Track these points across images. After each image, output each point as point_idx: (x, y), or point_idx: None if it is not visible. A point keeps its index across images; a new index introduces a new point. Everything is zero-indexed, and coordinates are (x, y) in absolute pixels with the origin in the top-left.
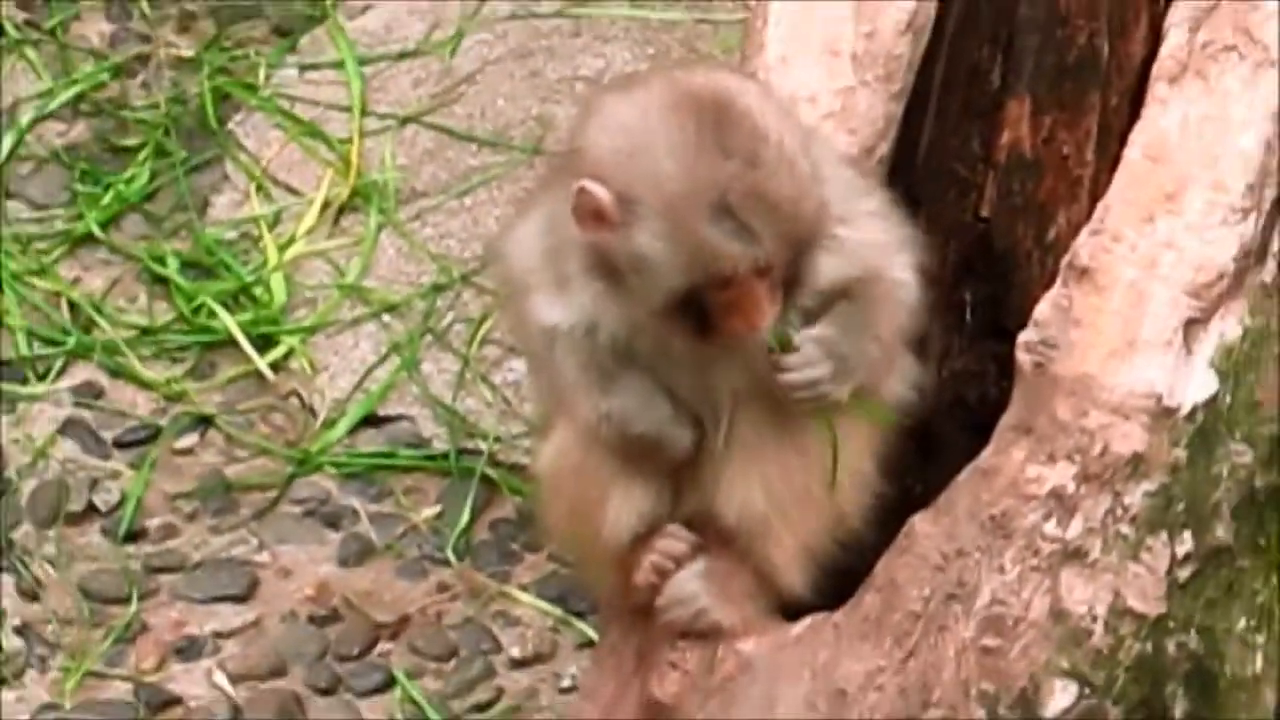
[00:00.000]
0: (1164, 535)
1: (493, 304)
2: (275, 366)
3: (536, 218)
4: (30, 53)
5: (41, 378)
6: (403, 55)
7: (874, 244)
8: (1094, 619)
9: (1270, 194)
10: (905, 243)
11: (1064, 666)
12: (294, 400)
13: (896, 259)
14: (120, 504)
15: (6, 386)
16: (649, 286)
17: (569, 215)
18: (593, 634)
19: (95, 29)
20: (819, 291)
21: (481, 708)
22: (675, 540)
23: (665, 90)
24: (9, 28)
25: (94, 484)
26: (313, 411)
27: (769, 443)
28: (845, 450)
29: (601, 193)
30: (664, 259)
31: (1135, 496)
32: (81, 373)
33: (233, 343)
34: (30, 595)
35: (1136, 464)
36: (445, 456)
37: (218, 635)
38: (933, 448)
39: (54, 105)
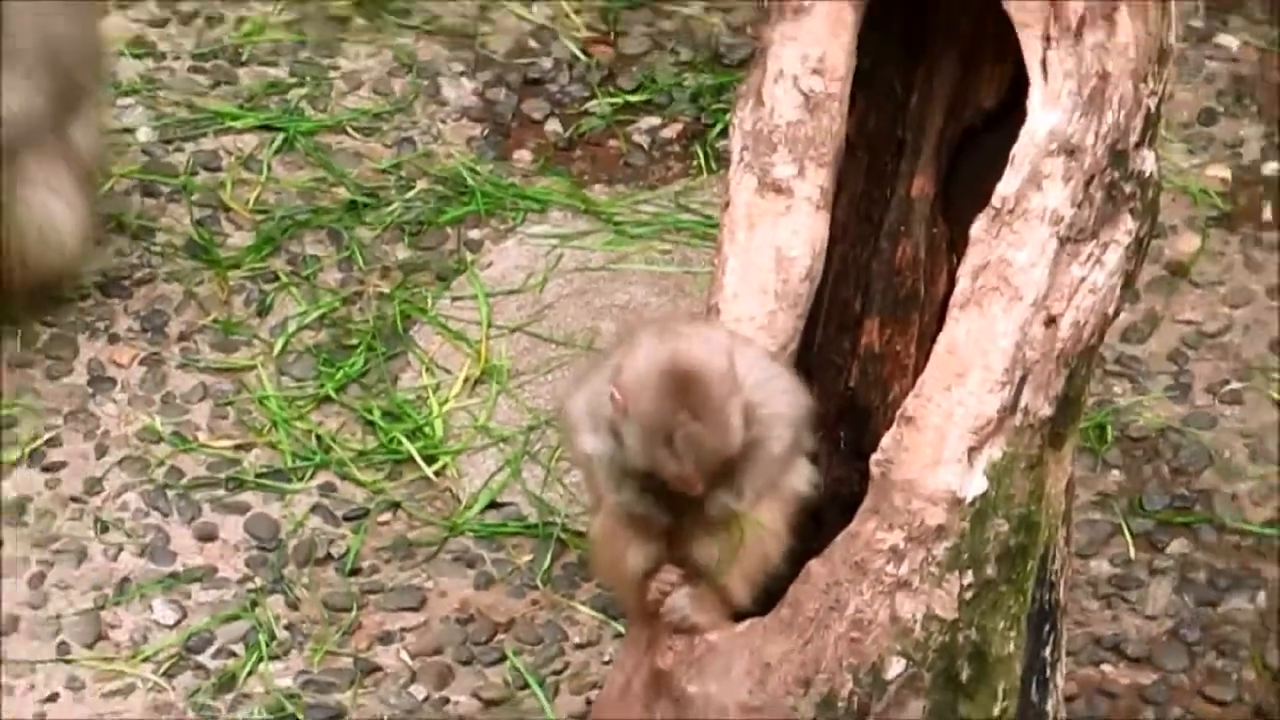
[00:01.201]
0: (956, 573)
1: (561, 438)
2: (437, 474)
3: (586, 390)
4: (294, 290)
5: (300, 479)
6: (512, 292)
7: (779, 415)
8: (915, 621)
9: (1018, 373)
10: (800, 406)
11: (898, 649)
12: (448, 493)
13: (793, 421)
14: (346, 554)
15: (281, 485)
16: (631, 454)
17: (605, 395)
18: (622, 629)
19: (333, 276)
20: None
21: (556, 673)
22: (669, 574)
23: (662, 351)
24: (281, 275)
25: (330, 542)
26: (458, 499)
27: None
28: (761, 532)
29: (619, 398)
30: (636, 451)
31: (939, 550)
32: (324, 477)
33: (412, 460)
34: (293, 607)
35: (940, 531)
36: (536, 526)
37: (403, 630)
38: (822, 521)
39: (308, 320)
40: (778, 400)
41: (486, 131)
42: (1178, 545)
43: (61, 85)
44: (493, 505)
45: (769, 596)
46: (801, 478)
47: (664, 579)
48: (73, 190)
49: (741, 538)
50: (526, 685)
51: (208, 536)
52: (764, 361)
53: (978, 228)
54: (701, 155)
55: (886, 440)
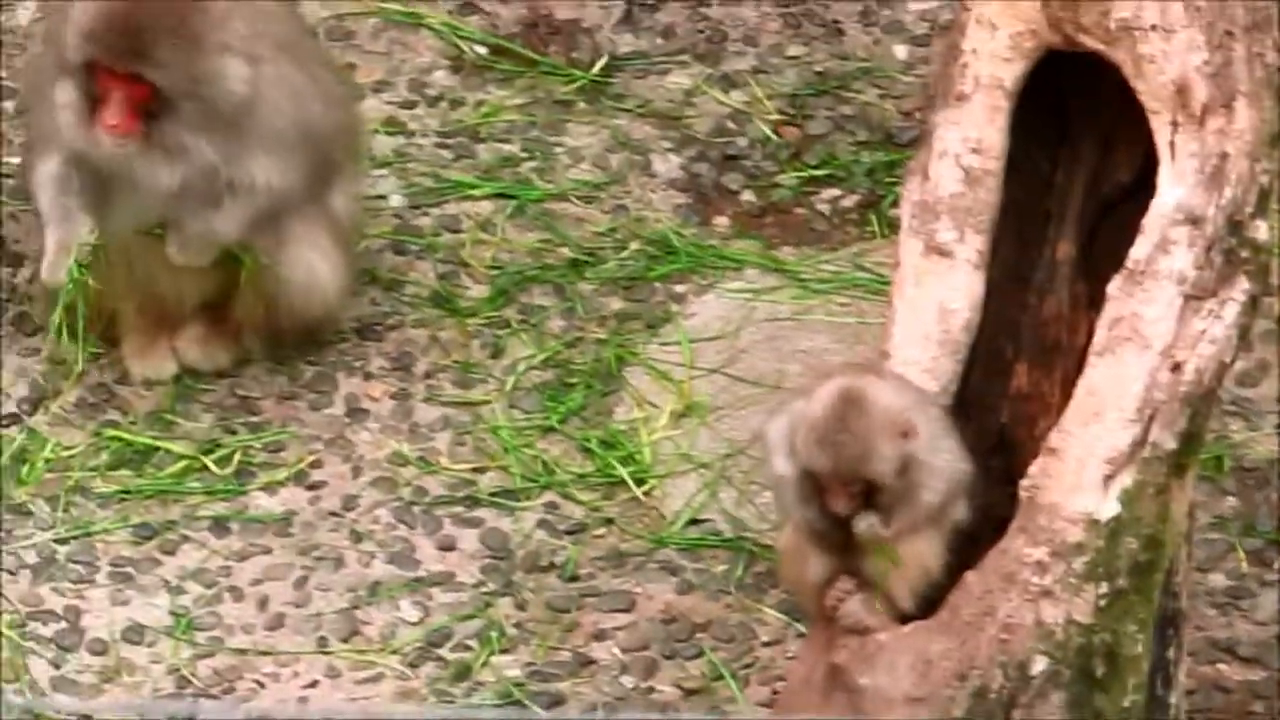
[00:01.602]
0: (1092, 583)
1: (759, 461)
2: (646, 494)
3: (781, 419)
4: (523, 335)
5: (528, 498)
6: (711, 338)
7: (939, 471)
8: (1057, 625)
9: (1148, 412)
10: (960, 471)
11: (1041, 649)
12: (655, 511)
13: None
14: (566, 563)
15: (511, 503)
16: (799, 455)
17: (797, 422)
18: (803, 630)
19: (557, 324)
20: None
21: (747, 667)
22: (844, 584)
23: (849, 380)
24: (512, 323)
25: (553, 552)
26: (664, 517)
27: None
28: (917, 546)
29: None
30: (801, 452)
31: (1078, 564)
32: (548, 496)
33: (624, 482)
34: (520, 608)
35: (1079, 548)
36: (731, 540)
37: (615, 629)
38: (977, 538)
39: (535, 361)
40: (941, 461)
41: (690, 200)
42: None
43: (317, 161)
44: (693, 522)
45: (930, 603)
46: (959, 511)
47: (840, 588)
48: (332, 248)
49: (895, 558)
50: (721, 677)
51: (448, 547)
52: (941, 426)
53: (1114, 286)
54: (875, 222)
55: (1033, 469)
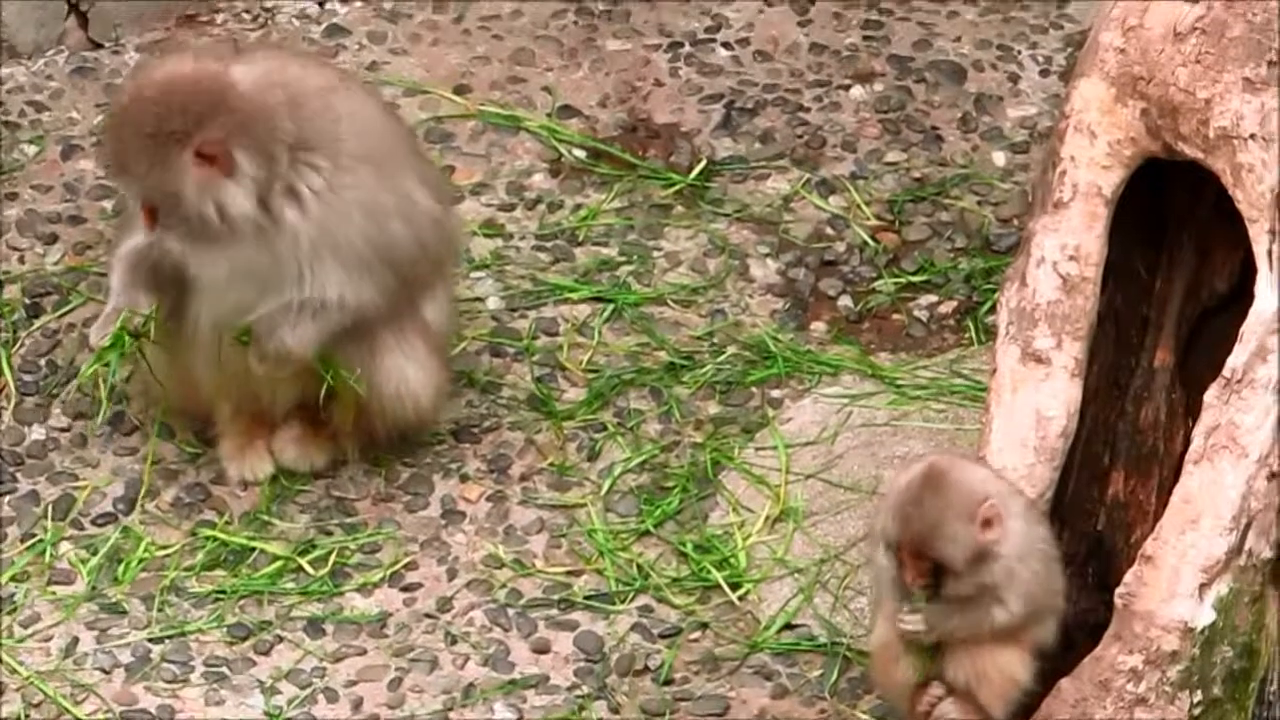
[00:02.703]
0: (1187, 691)
1: (866, 557)
2: (741, 598)
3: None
4: (620, 439)
5: (622, 601)
6: (808, 443)
7: (1019, 583)
8: None
9: (1244, 520)
10: (1046, 594)
11: None
12: (749, 615)
13: (1041, 592)
14: (661, 666)
15: (606, 606)
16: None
17: None
18: None
19: (653, 427)
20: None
21: None
22: (936, 689)
23: (929, 460)
24: (609, 426)
25: (647, 656)
26: (758, 621)
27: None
28: (1002, 660)
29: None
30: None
31: (1173, 672)
32: (642, 600)
33: (719, 586)
34: (615, 711)
35: (1174, 656)
36: (825, 645)
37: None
38: (1070, 644)
39: (631, 465)
40: (1026, 573)
41: (787, 305)
42: None
43: (401, 277)
44: (788, 626)
45: (1026, 709)
46: (1046, 633)
47: (933, 693)
48: (425, 355)
49: (926, 663)
50: None
51: (542, 649)
52: (1042, 546)
53: (1211, 394)
54: (973, 328)
55: (1129, 576)
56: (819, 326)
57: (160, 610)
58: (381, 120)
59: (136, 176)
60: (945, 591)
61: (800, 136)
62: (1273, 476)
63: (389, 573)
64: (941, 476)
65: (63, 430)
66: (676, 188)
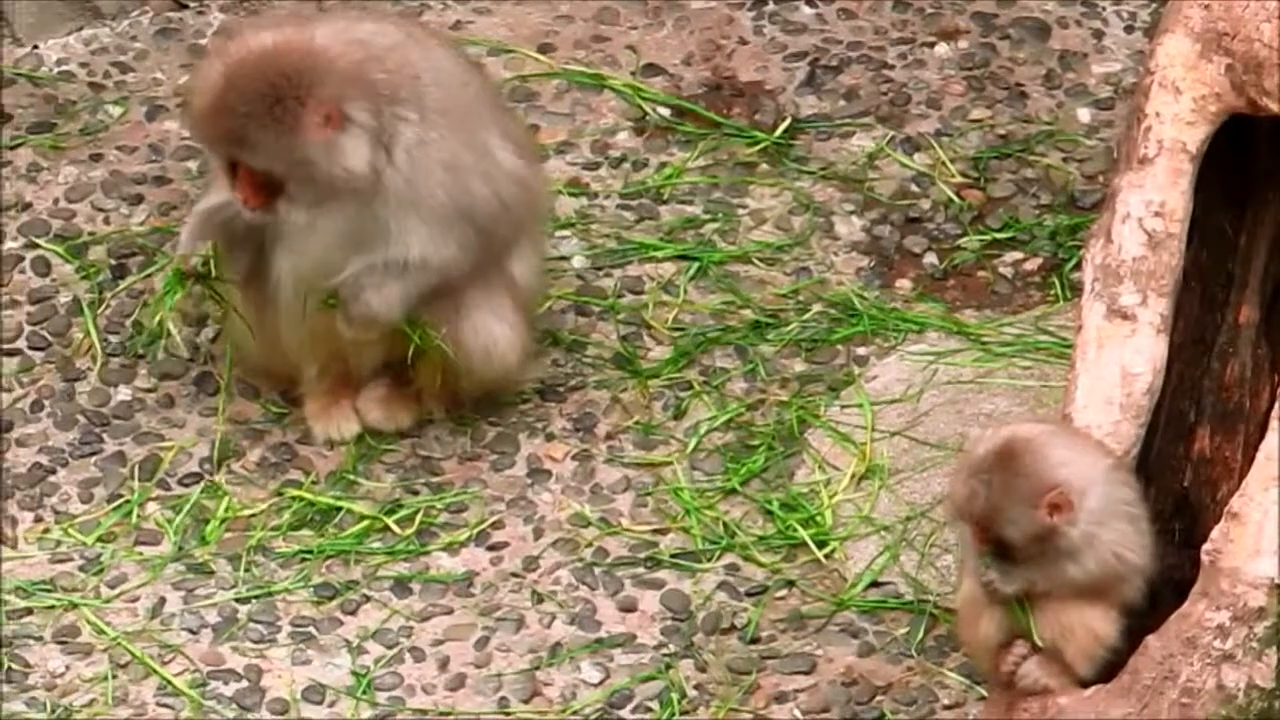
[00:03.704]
0: (1274, 648)
1: (938, 525)
2: (827, 556)
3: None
4: (705, 397)
5: (709, 560)
6: (893, 401)
7: (1099, 548)
8: (1238, 690)
9: None
10: (1128, 561)
11: (1223, 714)
12: (836, 573)
13: (1125, 552)
14: (747, 625)
15: (692, 564)
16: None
17: None
18: (984, 693)
19: (739, 386)
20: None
21: None
22: (1020, 648)
23: (1006, 433)
24: (695, 385)
25: (734, 614)
26: (844, 579)
27: (1055, 603)
28: (1089, 616)
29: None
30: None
31: (1260, 629)
32: (728, 558)
33: (805, 544)
34: (701, 670)
35: (1261, 612)
36: (912, 603)
37: (796, 691)
38: (1156, 601)
39: (717, 423)
40: (1107, 538)
41: (873, 263)
42: None
43: (484, 236)
44: (874, 584)
45: (1112, 666)
46: (1131, 591)
47: (1016, 652)
48: (512, 313)
49: (1022, 617)
50: None
51: (629, 608)
52: (1126, 507)
53: None
54: (1058, 285)
55: (1215, 533)
56: (904, 284)
57: (246, 570)
58: (461, 75)
59: (260, 148)
60: (1011, 557)
61: (885, 94)
62: None
63: (475, 532)
64: (1013, 456)
65: (149, 391)
66: (761, 146)
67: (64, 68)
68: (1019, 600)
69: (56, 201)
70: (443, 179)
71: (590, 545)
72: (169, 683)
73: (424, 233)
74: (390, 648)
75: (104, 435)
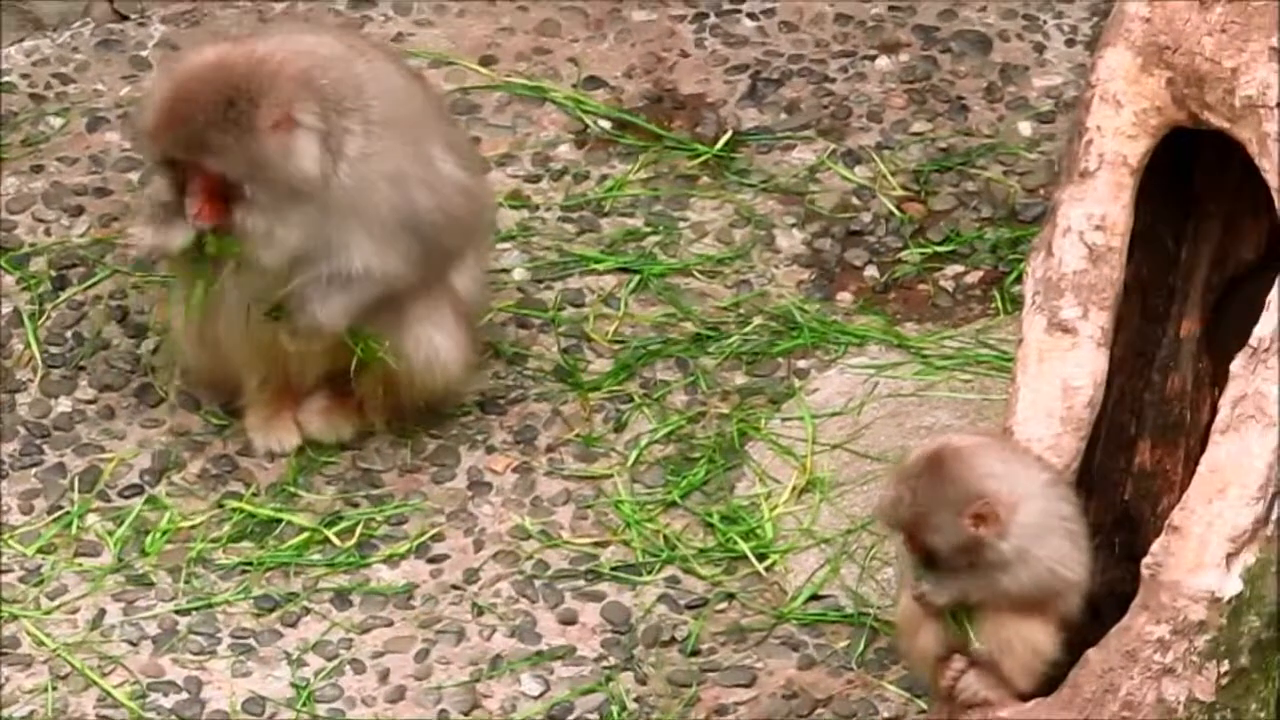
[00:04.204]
0: (1214, 661)
1: (878, 538)
2: (767, 569)
3: None
4: (646, 410)
5: (649, 573)
6: (834, 414)
7: (1032, 563)
8: (1178, 704)
9: (1271, 490)
10: (1066, 557)
11: None
12: (776, 586)
13: (1061, 568)
14: (688, 637)
15: (633, 577)
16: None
17: None
18: (924, 706)
19: (679, 398)
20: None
21: None
22: (958, 663)
23: (939, 443)
24: (635, 397)
25: (674, 627)
26: (785, 592)
27: (993, 617)
28: (1026, 630)
29: None
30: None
31: (1200, 642)
32: (669, 571)
33: (745, 557)
34: (641, 682)
35: (1201, 626)
36: (853, 616)
37: (736, 704)
38: (1098, 614)
39: (658, 436)
40: (1040, 554)
41: (814, 276)
42: None
43: (428, 248)
44: (815, 597)
45: (1052, 679)
46: (1068, 605)
47: (955, 666)
48: (455, 326)
49: (962, 628)
50: None
51: (569, 621)
52: (1065, 523)
53: (1237, 364)
54: (999, 299)
55: (1156, 546)
56: (845, 297)
57: (187, 582)
58: (404, 86)
59: (220, 151)
60: (941, 567)
61: (826, 107)
62: None
63: (415, 544)
64: (941, 464)
65: (89, 402)
66: (702, 158)
67: (5, 79)
68: (954, 612)
69: None
70: (387, 191)
71: (531, 558)
72: (109, 694)
73: (368, 245)
74: (330, 660)
75: (44, 447)
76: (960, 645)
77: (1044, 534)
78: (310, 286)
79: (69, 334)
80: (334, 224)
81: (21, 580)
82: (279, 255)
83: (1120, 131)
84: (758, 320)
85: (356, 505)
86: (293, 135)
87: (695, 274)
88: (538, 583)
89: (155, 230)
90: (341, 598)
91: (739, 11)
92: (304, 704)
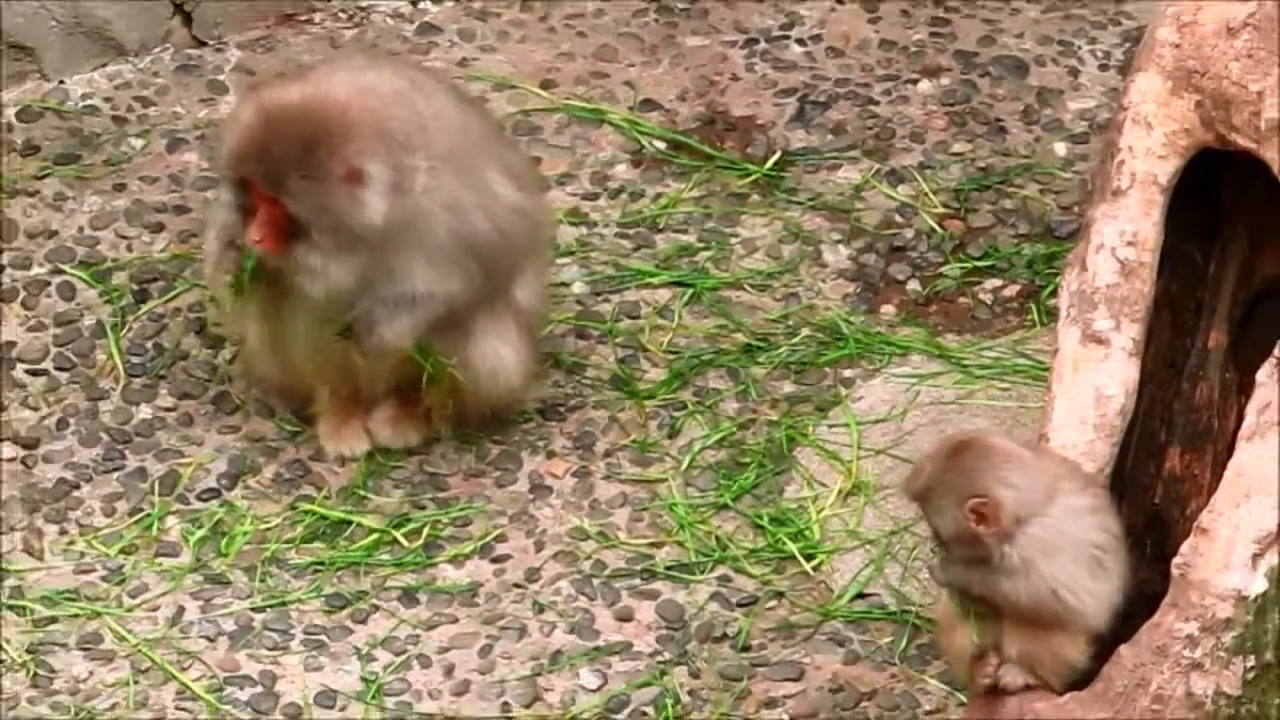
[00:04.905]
0: (1240, 657)
1: (921, 540)
2: (815, 569)
3: None
4: (699, 417)
5: (702, 572)
6: (878, 421)
7: (1054, 576)
8: (1206, 697)
9: None
10: (1089, 576)
11: (1193, 718)
12: (823, 585)
13: (1066, 593)
14: (738, 634)
15: (686, 576)
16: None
17: None
18: (964, 700)
19: (731, 406)
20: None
21: None
22: (990, 663)
23: (955, 436)
24: (689, 405)
25: (726, 624)
26: (831, 590)
27: (1022, 627)
28: (1054, 643)
29: None
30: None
31: (1227, 638)
32: (721, 570)
33: (793, 557)
34: (694, 676)
35: (1228, 623)
36: (896, 613)
37: (785, 697)
38: (1130, 613)
39: (710, 441)
40: (1044, 573)
41: (859, 289)
42: None
43: (487, 267)
44: (860, 595)
45: (1087, 673)
46: (1091, 620)
47: (992, 663)
48: (517, 337)
49: (966, 618)
50: None
51: (626, 617)
52: (1088, 550)
53: (1262, 373)
54: (1035, 311)
55: (1185, 547)
56: (889, 309)
57: (262, 581)
58: (461, 118)
59: (296, 192)
60: (951, 552)
61: (870, 129)
62: None
63: (479, 545)
64: (962, 453)
65: (169, 410)
66: (752, 178)
67: (89, 102)
68: (966, 607)
69: (81, 229)
70: (445, 219)
71: (589, 558)
72: (187, 688)
73: (428, 270)
74: (398, 655)
75: (126, 452)
76: (994, 645)
77: (1054, 553)
78: (376, 309)
79: (149, 344)
80: (395, 252)
81: (104, 579)
82: (328, 290)
83: (1151, 152)
84: (805, 331)
85: (423, 508)
86: (362, 187)
87: (746, 287)
88: (595, 581)
89: (221, 248)
90: (409, 596)
91: (788, 37)
92: (373, 697)
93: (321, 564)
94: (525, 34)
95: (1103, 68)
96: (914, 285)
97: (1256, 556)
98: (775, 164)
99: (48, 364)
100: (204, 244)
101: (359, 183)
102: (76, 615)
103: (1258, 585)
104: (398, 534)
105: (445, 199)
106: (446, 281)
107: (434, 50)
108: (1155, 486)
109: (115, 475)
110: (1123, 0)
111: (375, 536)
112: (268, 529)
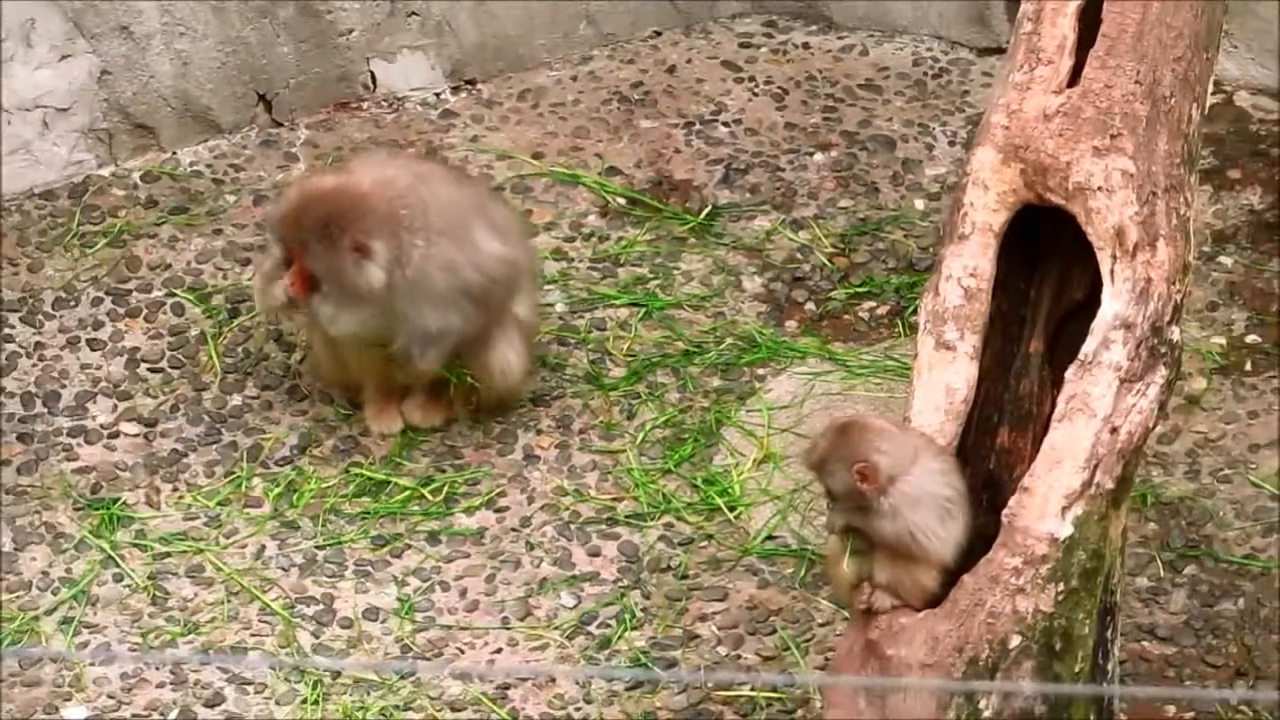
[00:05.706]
0: (1053, 583)
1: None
2: (736, 518)
3: None
4: (650, 404)
5: (651, 520)
6: (784, 407)
7: (906, 506)
8: (1028, 613)
9: (1093, 462)
10: (940, 524)
11: (1016, 630)
12: (743, 529)
13: (921, 536)
14: (679, 566)
15: (640, 523)
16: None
17: None
18: (847, 615)
19: (673, 396)
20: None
21: (807, 641)
22: (864, 592)
23: (843, 417)
24: (643, 395)
25: (670, 559)
26: (749, 534)
27: (887, 559)
28: (916, 572)
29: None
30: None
31: (1043, 570)
32: (666, 519)
33: (721, 509)
34: (647, 597)
35: (1044, 558)
36: (797, 550)
37: (714, 613)
38: (971, 550)
39: (658, 423)
40: (908, 519)
41: (769, 309)
42: (1190, 569)
43: (482, 302)
44: (770, 538)
45: (938, 598)
46: (945, 559)
47: (867, 590)
48: (520, 343)
49: (846, 550)
50: (789, 649)
51: (595, 554)
52: (941, 504)
53: (1070, 372)
54: (901, 326)
55: (1012, 502)
56: (792, 324)
57: (323, 526)
58: (455, 194)
59: (314, 255)
60: (839, 504)
61: (778, 188)
62: (1113, 431)
63: (486, 499)
64: (847, 430)
65: (254, 398)
66: (690, 225)
67: (195, 168)
68: (844, 538)
69: (189, 263)
70: (442, 277)
71: (568, 509)
72: (268, 605)
73: (432, 314)
74: (425, 581)
75: (222, 430)
76: (868, 575)
77: (916, 505)
78: (411, 345)
79: (240, 349)
80: (404, 303)
81: (205, 525)
82: (343, 331)
83: (987, 206)
84: (729, 340)
85: (444, 471)
86: (365, 259)
87: (685, 307)
88: (573, 527)
89: (263, 284)
90: (433, 537)
91: (717, 120)
92: (406, 612)
93: (368, 513)
94: (520, 117)
95: (952, 143)
96: (811, 306)
97: (1065, 509)
98: (707, 215)
99: (164, 364)
100: (254, 279)
101: (365, 254)
102: (185, 551)
103: (1066, 530)
104: (425, 491)
105: (442, 262)
106: (448, 320)
107: (452, 130)
108: (990, 456)
109: (214, 447)
110: (966, 93)
111: (408, 493)
112: (327, 487)
